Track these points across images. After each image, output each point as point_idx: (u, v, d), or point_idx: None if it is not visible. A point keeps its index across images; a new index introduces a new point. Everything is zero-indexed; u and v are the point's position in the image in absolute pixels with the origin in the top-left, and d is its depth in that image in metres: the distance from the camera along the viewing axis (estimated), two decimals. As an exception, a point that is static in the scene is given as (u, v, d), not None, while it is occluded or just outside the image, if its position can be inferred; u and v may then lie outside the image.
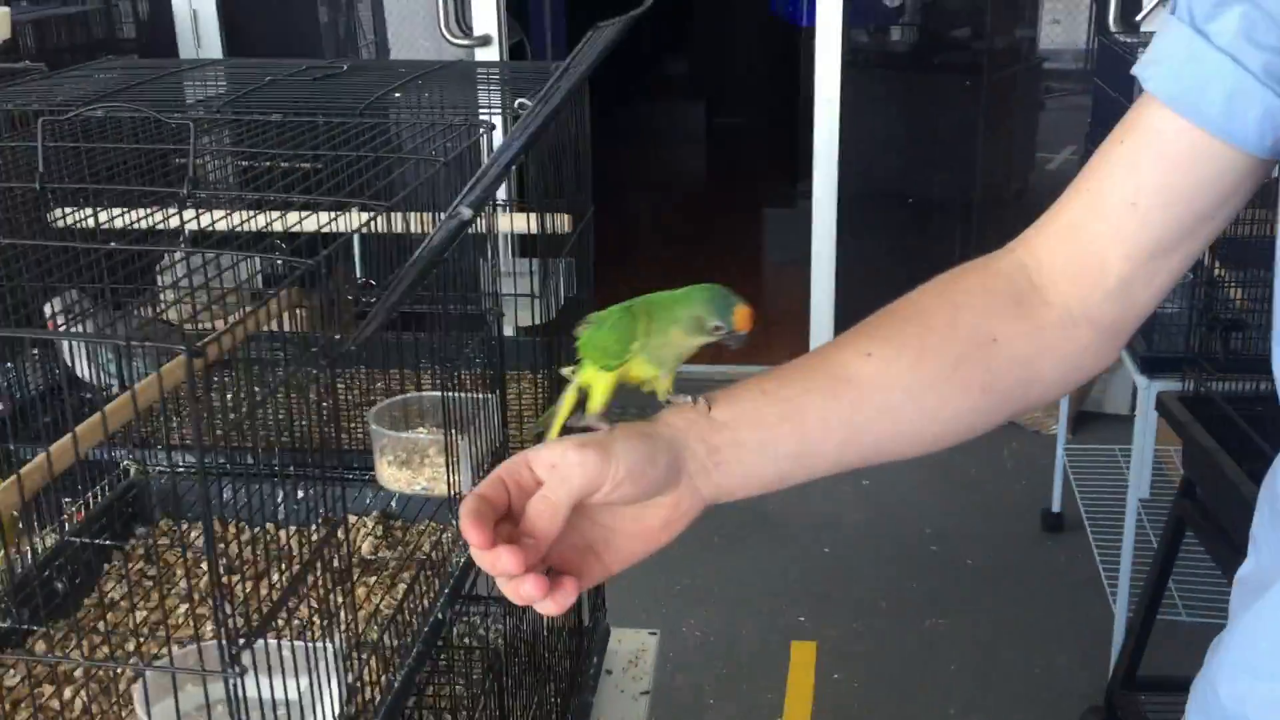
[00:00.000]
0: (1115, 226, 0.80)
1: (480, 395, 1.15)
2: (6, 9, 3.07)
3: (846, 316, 3.64)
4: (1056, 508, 3.08)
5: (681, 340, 0.82)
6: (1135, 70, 0.81)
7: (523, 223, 1.38)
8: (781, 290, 4.57)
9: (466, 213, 0.81)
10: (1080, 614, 2.73)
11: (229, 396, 1.44)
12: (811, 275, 3.89)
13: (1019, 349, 0.81)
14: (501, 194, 1.50)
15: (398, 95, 1.26)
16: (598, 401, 0.84)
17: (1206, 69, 0.75)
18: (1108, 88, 2.88)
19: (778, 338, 3.56)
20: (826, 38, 3.67)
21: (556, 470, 0.70)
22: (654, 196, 6.21)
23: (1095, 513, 2.81)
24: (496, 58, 3.62)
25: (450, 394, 1.09)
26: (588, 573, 0.74)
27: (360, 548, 1.17)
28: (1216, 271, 2.16)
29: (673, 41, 7.04)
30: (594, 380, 0.84)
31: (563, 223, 1.34)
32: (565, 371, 0.89)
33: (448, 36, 3.56)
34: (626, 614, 2.02)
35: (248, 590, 1.03)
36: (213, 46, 3.70)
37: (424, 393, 1.22)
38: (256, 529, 1.20)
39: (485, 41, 3.61)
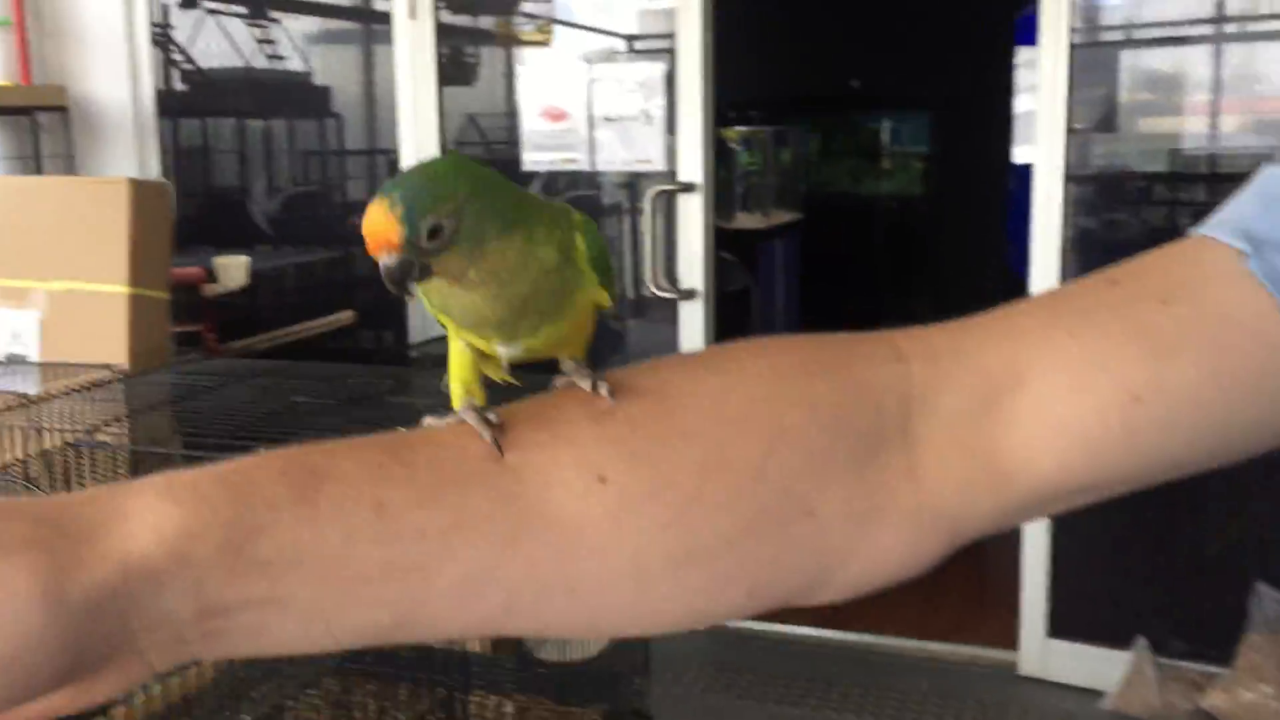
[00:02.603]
0: (1089, 417, 0.50)
1: None
2: (245, 258, 3.36)
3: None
4: None
5: None
6: (1212, 230, 0.53)
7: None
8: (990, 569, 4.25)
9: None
10: None
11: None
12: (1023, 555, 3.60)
13: (835, 536, 0.50)
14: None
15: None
16: (456, 385, 0.51)
17: None
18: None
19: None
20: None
21: None
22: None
23: None
24: (701, 313, 3.64)
25: None
26: None
27: None
28: None
29: (913, 285, 6.97)
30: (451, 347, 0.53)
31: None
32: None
33: (654, 290, 3.62)
34: None
35: None
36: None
37: None
38: None
39: (690, 295, 3.64)
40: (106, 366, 1.36)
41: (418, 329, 3.75)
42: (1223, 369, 0.50)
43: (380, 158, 4.45)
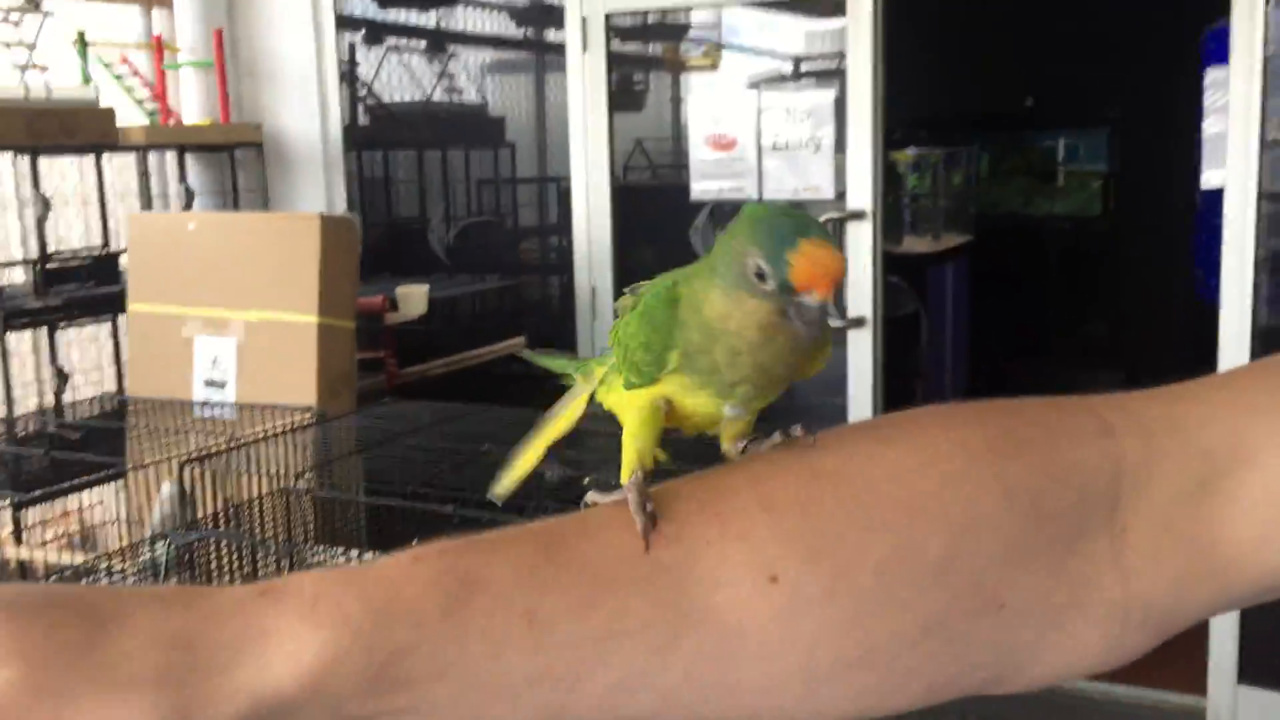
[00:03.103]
0: None
1: None
2: (425, 287, 3.48)
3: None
4: None
5: (730, 315, 0.45)
6: None
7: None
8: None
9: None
10: None
11: None
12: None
13: (1028, 631, 0.46)
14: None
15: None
16: (631, 454, 0.48)
17: None
18: None
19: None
20: (1231, 322, 3.34)
21: None
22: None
23: None
24: (870, 341, 3.60)
25: None
26: None
27: None
28: None
29: (1091, 305, 6.74)
30: (620, 407, 0.51)
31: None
32: (570, 370, 0.56)
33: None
34: None
35: None
36: (607, 320, 3.97)
37: None
38: None
39: (859, 324, 3.60)
40: (307, 409, 1.44)
41: (585, 355, 3.81)
42: None
43: (550, 185, 4.55)
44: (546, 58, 4.59)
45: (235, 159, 3.76)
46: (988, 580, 0.45)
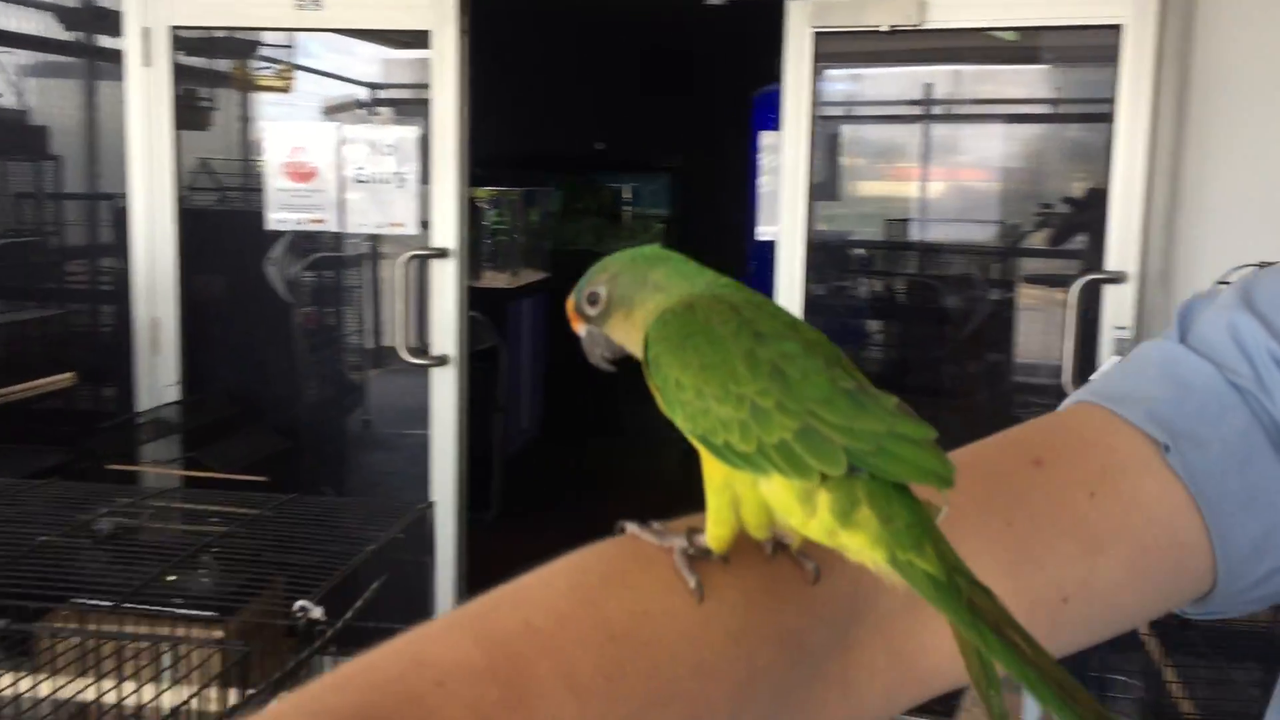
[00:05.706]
0: (1021, 618, 0.47)
1: None
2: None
3: None
4: None
5: None
6: (1122, 409, 0.54)
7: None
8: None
9: None
10: None
11: None
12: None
13: None
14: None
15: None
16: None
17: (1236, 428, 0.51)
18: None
19: None
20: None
21: None
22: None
23: None
24: (454, 379, 3.57)
25: None
26: None
27: None
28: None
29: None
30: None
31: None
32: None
33: (407, 358, 3.53)
34: None
35: None
36: (170, 355, 3.67)
37: None
38: None
39: (442, 361, 3.57)
40: None
41: (145, 393, 3.50)
42: (1141, 569, 0.51)
43: (104, 203, 4.17)
44: (99, 65, 4.20)
45: None
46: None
